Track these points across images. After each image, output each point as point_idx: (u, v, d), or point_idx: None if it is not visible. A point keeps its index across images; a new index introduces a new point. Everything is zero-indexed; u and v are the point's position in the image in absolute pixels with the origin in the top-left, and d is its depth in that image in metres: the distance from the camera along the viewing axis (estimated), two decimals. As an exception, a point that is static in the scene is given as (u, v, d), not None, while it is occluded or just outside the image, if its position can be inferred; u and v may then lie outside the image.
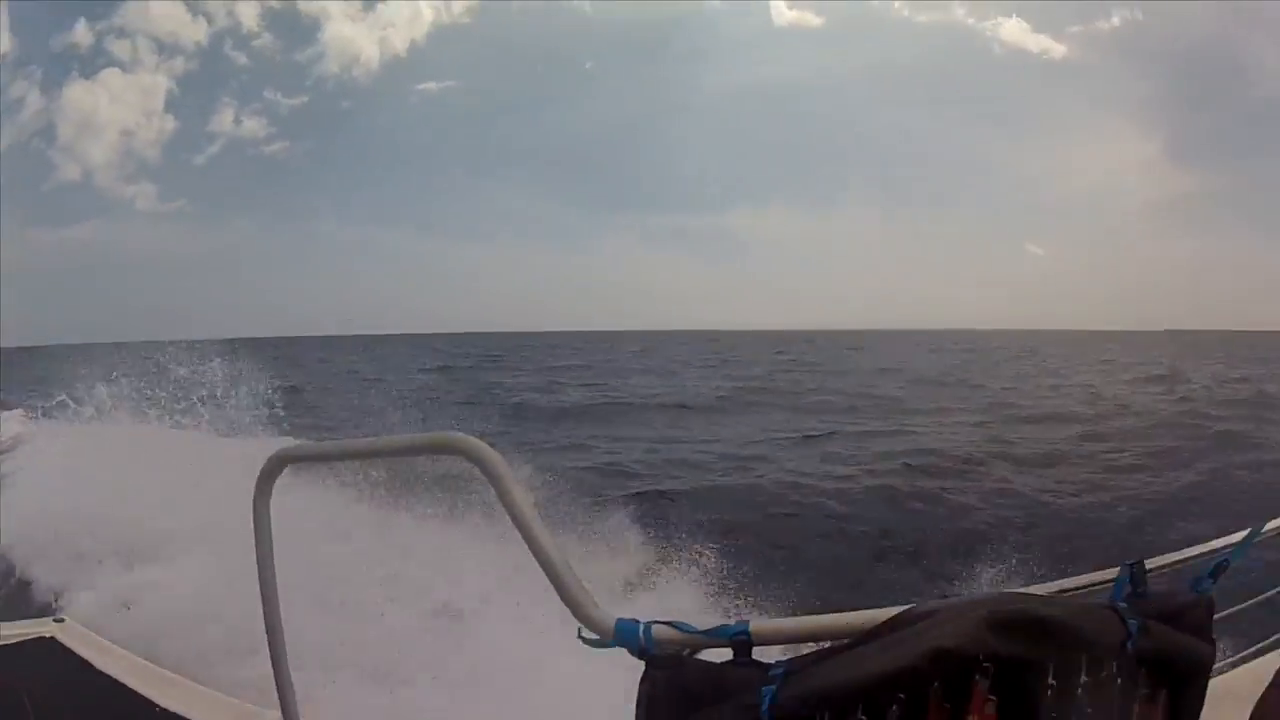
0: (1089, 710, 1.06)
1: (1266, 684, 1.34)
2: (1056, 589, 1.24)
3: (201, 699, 3.18)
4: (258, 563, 1.56)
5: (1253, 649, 2.44)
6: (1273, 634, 2.38)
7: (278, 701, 1.61)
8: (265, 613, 1.59)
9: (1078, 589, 1.25)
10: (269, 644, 1.60)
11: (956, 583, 7.21)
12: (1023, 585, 1.19)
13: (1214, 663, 1.19)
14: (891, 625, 1.02)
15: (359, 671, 4.38)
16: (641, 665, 1.03)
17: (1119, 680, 1.07)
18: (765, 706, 0.95)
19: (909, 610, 1.03)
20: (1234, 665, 2.40)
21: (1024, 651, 0.99)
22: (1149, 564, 1.24)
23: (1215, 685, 1.56)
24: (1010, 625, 0.98)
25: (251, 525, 1.53)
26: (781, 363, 43.05)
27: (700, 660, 1.04)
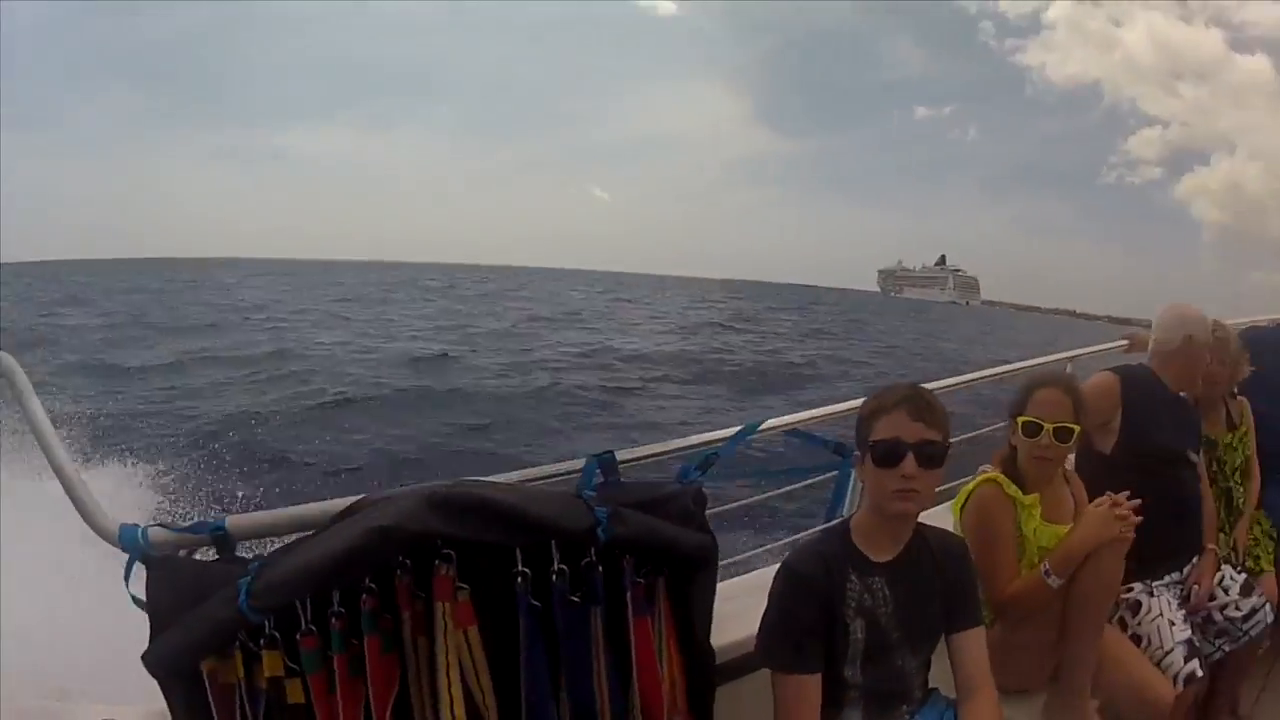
0: (576, 597, 1.21)
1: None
2: (520, 478, 1.35)
3: None
4: None
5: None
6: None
7: None
8: None
9: (543, 478, 1.37)
10: None
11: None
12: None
13: (715, 550, 1.36)
14: (351, 510, 1.11)
15: None
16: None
17: (600, 568, 1.22)
18: (242, 597, 1.04)
19: (368, 496, 1.12)
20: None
21: (475, 533, 1.09)
22: (630, 454, 1.38)
23: (752, 578, 1.78)
24: (451, 505, 1.08)
25: None
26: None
27: (194, 560, 1.11)
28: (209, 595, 1.05)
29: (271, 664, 1.07)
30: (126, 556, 1.09)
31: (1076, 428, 1.84)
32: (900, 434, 1.42)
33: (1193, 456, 2.35)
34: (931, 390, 1.51)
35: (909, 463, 1.41)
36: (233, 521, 1.10)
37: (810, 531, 1.49)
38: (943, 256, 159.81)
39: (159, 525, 1.09)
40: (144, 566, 1.08)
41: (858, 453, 1.50)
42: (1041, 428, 1.83)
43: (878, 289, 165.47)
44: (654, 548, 1.26)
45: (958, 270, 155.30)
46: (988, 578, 1.80)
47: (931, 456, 1.44)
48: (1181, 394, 2.41)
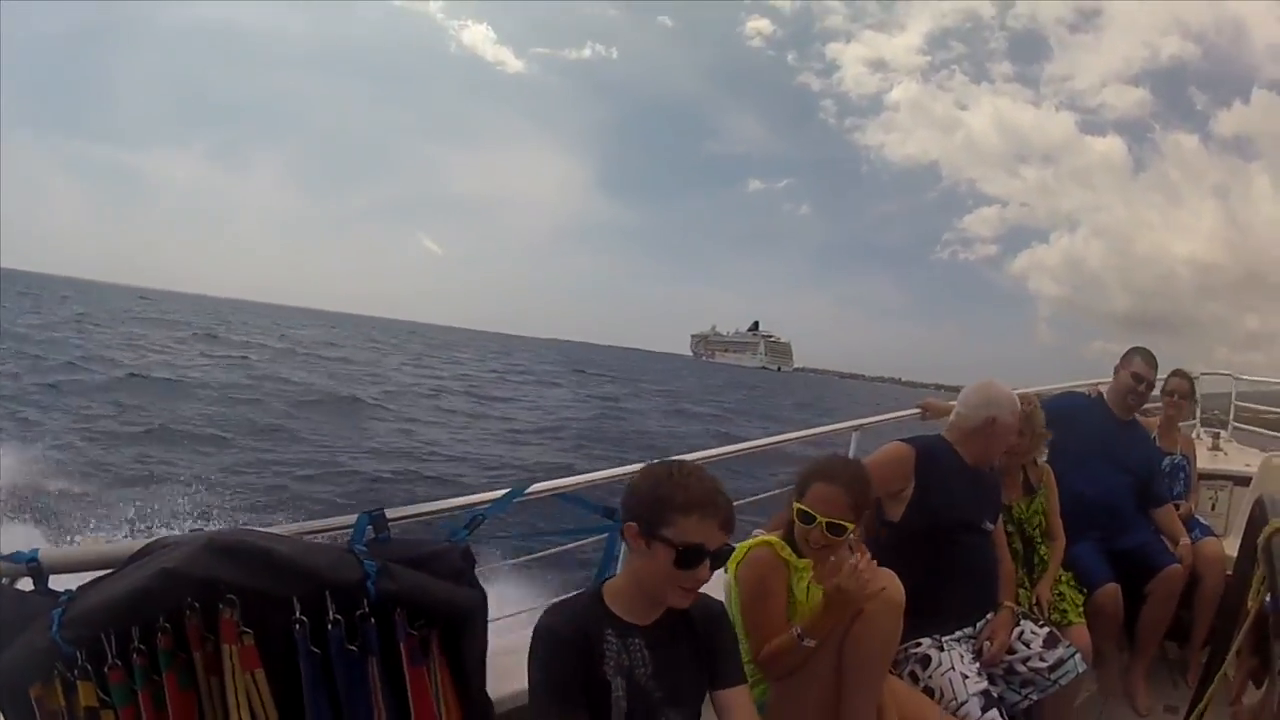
0: (353, 647, 1.33)
1: None
2: (298, 530, 1.53)
3: None
4: None
5: None
6: None
7: None
8: None
9: (318, 531, 1.55)
10: None
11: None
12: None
13: (485, 606, 1.49)
14: (145, 550, 1.30)
15: None
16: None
17: (374, 619, 1.36)
18: (54, 628, 1.20)
19: (164, 538, 1.31)
20: None
21: (252, 581, 1.26)
22: (400, 512, 1.55)
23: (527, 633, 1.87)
24: (231, 552, 1.25)
25: None
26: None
27: (15, 589, 1.27)
28: (29, 624, 1.21)
29: (86, 694, 1.21)
30: None
31: (850, 525, 1.94)
32: (706, 541, 1.46)
33: (987, 525, 2.50)
34: (717, 455, 1.66)
35: (705, 568, 1.47)
36: (45, 553, 1.25)
37: (568, 596, 1.62)
38: (755, 323, 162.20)
39: None
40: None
41: (631, 523, 1.51)
42: (815, 519, 1.92)
43: (689, 353, 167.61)
44: (424, 603, 1.42)
45: (770, 336, 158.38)
46: (752, 635, 1.91)
47: (724, 558, 1.51)
48: (979, 466, 2.52)
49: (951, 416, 2.58)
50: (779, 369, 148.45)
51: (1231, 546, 3.52)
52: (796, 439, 3.36)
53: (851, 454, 3.13)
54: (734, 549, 1.60)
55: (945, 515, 2.40)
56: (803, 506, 1.96)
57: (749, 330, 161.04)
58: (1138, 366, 3.39)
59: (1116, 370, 3.46)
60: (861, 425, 3.36)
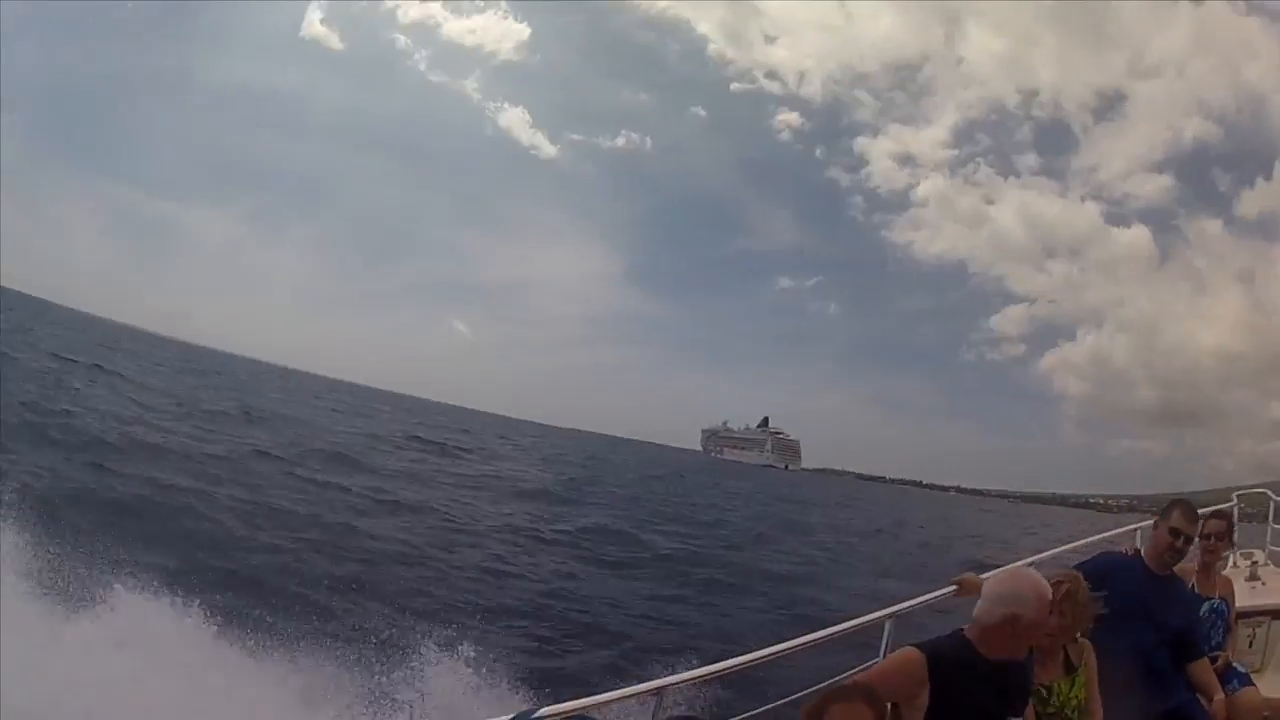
0: None
1: None
2: None
3: None
4: None
5: None
6: None
7: None
8: None
9: None
10: None
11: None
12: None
13: None
14: None
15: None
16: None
17: None
18: None
19: None
20: None
21: None
22: None
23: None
24: None
25: None
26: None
27: None
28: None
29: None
30: None
31: None
32: None
33: None
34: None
35: None
36: None
37: None
38: (765, 419, 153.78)
39: None
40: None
41: None
42: None
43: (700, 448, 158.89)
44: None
45: (778, 432, 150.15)
46: None
47: None
48: (1002, 659, 2.40)
49: (975, 610, 2.48)
50: (786, 467, 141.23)
51: (1272, 686, 3.55)
52: (823, 637, 3.06)
53: (884, 645, 3.09)
54: None
55: (964, 716, 2.35)
56: None
57: (758, 426, 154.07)
58: (1176, 521, 3.34)
59: (1155, 525, 3.42)
60: (894, 613, 3.19)
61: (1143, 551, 3.54)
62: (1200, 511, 3.71)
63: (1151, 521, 3.55)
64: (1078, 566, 3.12)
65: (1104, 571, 3.28)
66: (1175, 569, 3.51)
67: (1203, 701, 3.26)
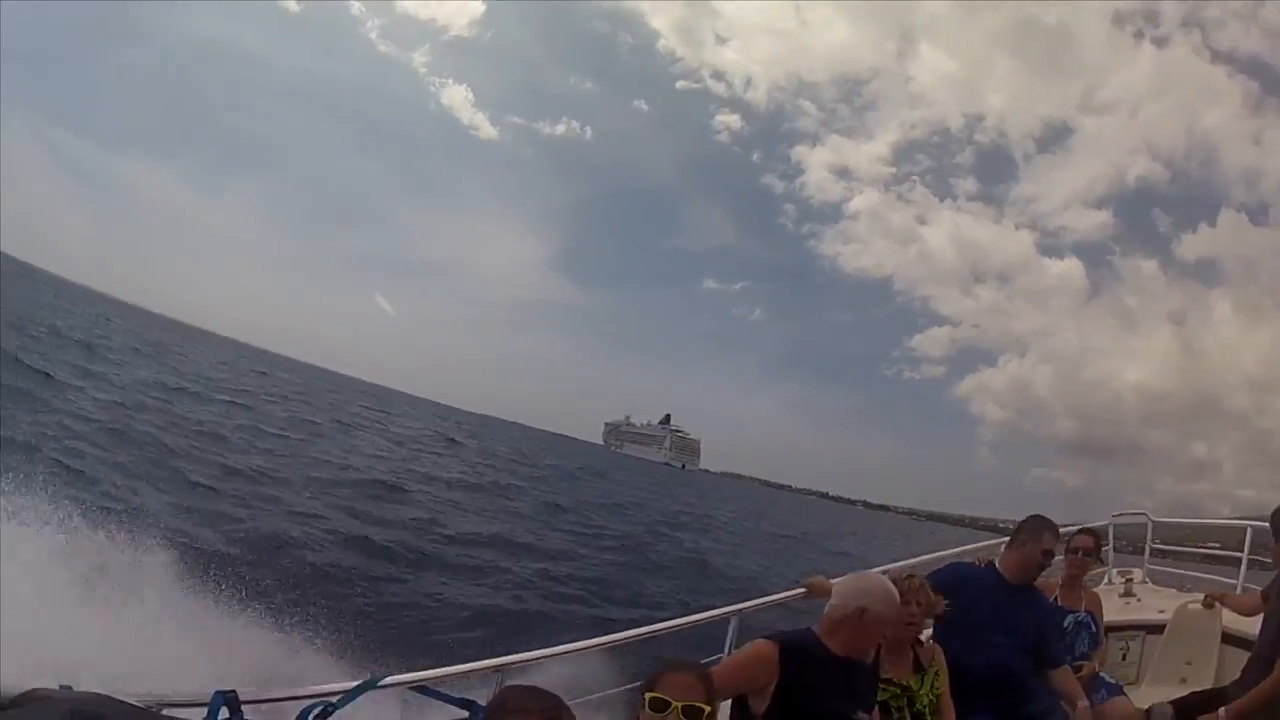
0: None
1: None
2: (155, 701, 1.47)
3: None
4: None
5: None
6: None
7: None
8: None
9: (175, 704, 1.50)
10: None
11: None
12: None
13: None
14: (17, 703, 1.21)
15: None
16: None
17: None
18: None
19: (36, 690, 1.23)
20: None
21: None
22: (255, 695, 1.48)
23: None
24: None
25: None
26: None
27: None
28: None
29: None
30: None
31: (706, 708, 1.92)
32: None
33: (860, 716, 2.44)
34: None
35: None
36: None
37: None
38: (667, 415, 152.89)
39: None
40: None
41: None
42: (669, 705, 1.90)
43: (601, 442, 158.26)
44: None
45: (678, 430, 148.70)
46: None
47: None
48: (851, 657, 2.45)
49: (825, 608, 2.55)
50: (683, 466, 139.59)
51: (1144, 698, 3.58)
52: (666, 629, 3.12)
53: (729, 642, 3.17)
54: None
55: (812, 708, 2.36)
56: (655, 694, 1.93)
57: (660, 423, 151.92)
58: (1048, 543, 3.33)
59: (1024, 543, 3.35)
60: (740, 610, 3.21)
61: (997, 564, 3.49)
62: (1071, 528, 3.87)
63: (1005, 540, 3.55)
64: (929, 576, 3.09)
65: (956, 580, 3.25)
66: (1036, 582, 3.50)
67: (1065, 709, 3.23)
